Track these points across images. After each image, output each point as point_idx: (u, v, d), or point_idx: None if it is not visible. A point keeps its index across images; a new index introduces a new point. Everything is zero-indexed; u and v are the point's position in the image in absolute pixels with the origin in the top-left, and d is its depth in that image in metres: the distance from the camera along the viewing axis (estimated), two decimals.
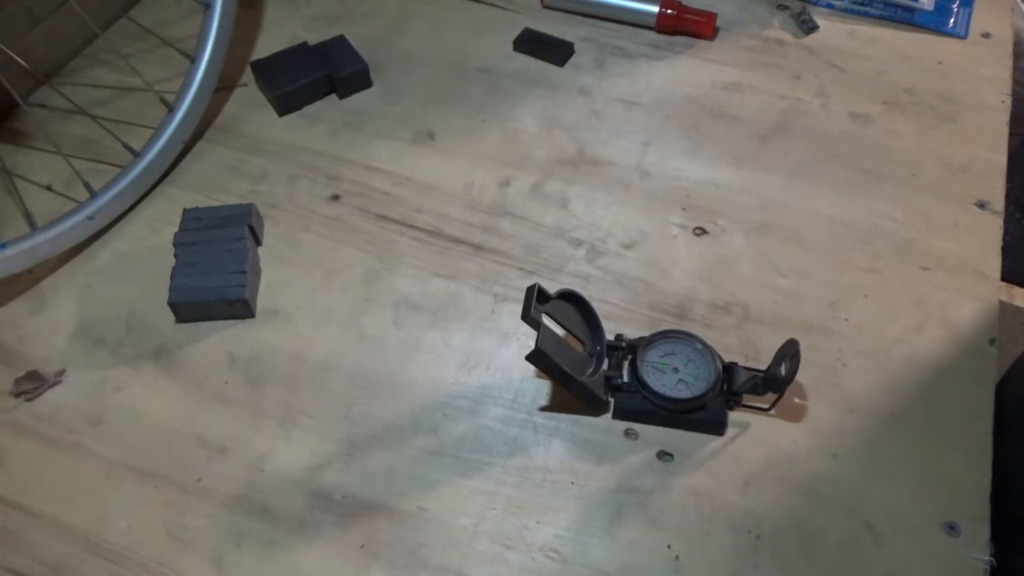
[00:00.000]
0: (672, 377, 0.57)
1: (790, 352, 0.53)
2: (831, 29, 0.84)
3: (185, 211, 0.68)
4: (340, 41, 0.82)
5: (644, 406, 0.58)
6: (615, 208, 0.71)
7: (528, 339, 0.63)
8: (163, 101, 0.75)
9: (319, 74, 0.79)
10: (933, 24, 0.84)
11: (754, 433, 0.58)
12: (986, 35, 0.83)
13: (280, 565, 0.54)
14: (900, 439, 0.57)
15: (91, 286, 0.68)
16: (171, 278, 0.64)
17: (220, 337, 0.64)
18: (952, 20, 0.84)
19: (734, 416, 0.58)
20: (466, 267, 0.68)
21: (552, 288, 0.56)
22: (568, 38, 0.84)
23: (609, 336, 0.60)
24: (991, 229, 0.68)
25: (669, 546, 0.54)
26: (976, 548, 0.53)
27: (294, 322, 0.65)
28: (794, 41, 0.84)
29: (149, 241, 0.71)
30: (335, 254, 0.69)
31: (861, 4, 0.86)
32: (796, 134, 0.75)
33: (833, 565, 0.52)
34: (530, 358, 0.52)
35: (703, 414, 0.57)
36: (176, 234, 0.67)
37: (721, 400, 0.57)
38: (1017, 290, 0.72)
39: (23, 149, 0.78)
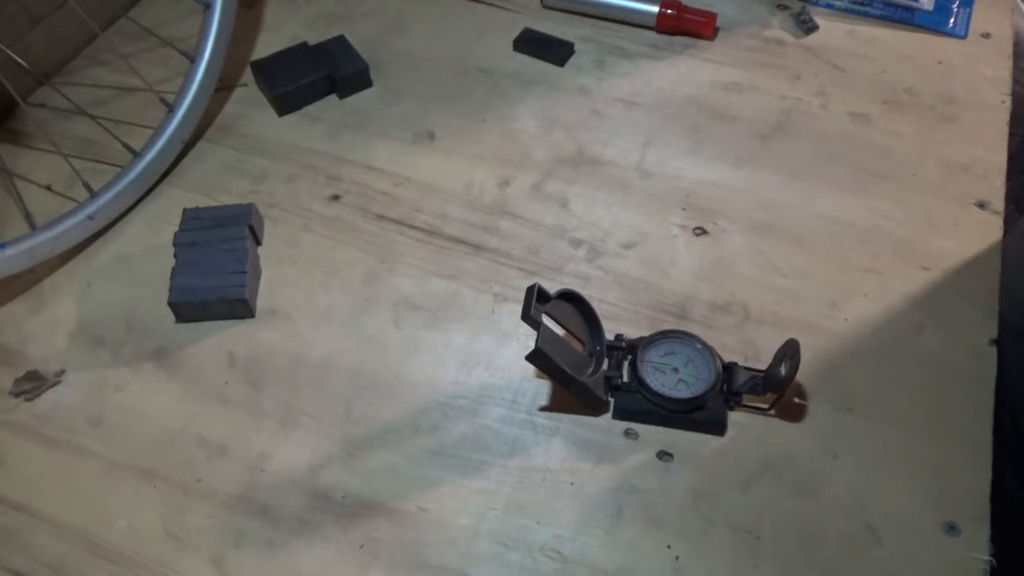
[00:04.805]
0: (672, 377, 0.57)
1: (790, 352, 0.53)
2: (831, 29, 0.84)
3: (185, 211, 0.68)
4: (340, 41, 0.82)
5: (644, 406, 0.58)
6: (615, 208, 0.71)
7: (528, 339, 0.63)
8: (163, 101, 0.74)
9: (319, 74, 0.79)
10: (933, 24, 0.84)
11: (754, 433, 0.58)
12: (986, 35, 0.83)
13: (280, 565, 0.54)
14: (900, 439, 0.57)
15: (91, 286, 0.68)
16: (171, 278, 0.64)
17: (220, 337, 0.64)
18: (952, 20, 0.84)
19: (734, 416, 0.58)
20: (466, 267, 0.68)
21: (552, 288, 0.56)
22: (568, 38, 0.84)
23: (609, 336, 0.60)
24: (991, 229, 0.68)
25: (669, 546, 0.54)
26: (976, 548, 0.53)
27: (294, 322, 0.65)
28: (794, 41, 0.83)
29: (149, 241, 0.71)
30: (335, 254, 0.69)
31: (861, 4, 0.86)
32: (796, 134, 0.75)
33: (833, 565, 0.52)
34: (530, 358, 0.52)
35: (703, 414, 0.57)
36: (176, 234, 0.67)
37: (721, 400, 0.57)
38: None
39: (23, 149, 0.78)
